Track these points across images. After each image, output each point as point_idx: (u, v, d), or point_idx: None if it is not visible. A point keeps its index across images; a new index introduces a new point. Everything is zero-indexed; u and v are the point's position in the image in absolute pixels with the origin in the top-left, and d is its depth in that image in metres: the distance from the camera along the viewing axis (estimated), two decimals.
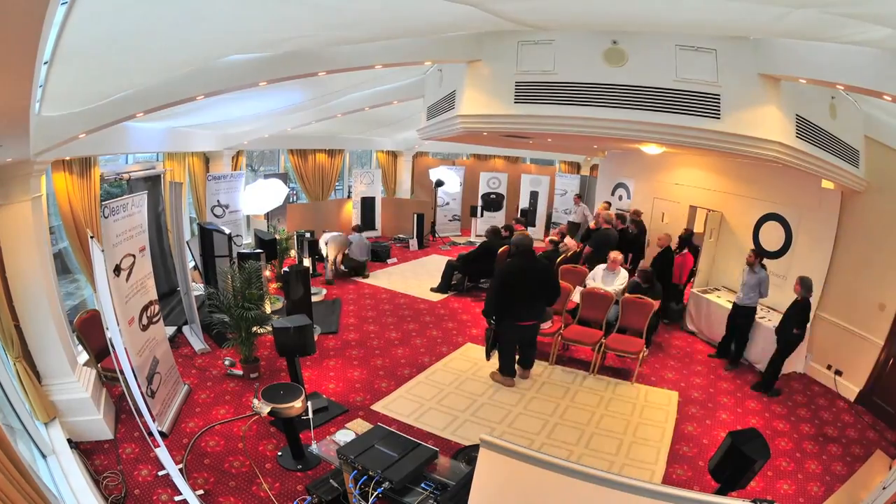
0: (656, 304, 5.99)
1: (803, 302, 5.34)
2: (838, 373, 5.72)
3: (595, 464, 3.79)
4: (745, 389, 5.65)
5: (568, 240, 8.38)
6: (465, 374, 5.68)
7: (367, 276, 9.03)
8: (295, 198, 12.06)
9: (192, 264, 7.10)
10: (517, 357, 5.50)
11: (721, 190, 7.52)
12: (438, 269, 8.68)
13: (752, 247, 6.60)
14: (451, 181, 12.29)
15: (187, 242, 6.63)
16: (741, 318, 6.00)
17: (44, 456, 3.56)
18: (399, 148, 13.24)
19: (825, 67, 3.51)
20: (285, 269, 6.18)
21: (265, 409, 3.66)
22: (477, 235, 12.30)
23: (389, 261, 10.23)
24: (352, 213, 11.93)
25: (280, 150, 11.22)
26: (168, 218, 7.24)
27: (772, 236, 6.61)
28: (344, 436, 3.61)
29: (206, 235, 6.60)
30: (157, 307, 4.67)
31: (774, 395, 5.49)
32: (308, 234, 8.91)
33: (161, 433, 3.96)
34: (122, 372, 3.65)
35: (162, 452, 3.66)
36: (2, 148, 3.03)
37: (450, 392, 5.29)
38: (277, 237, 8.11)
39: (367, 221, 12.05)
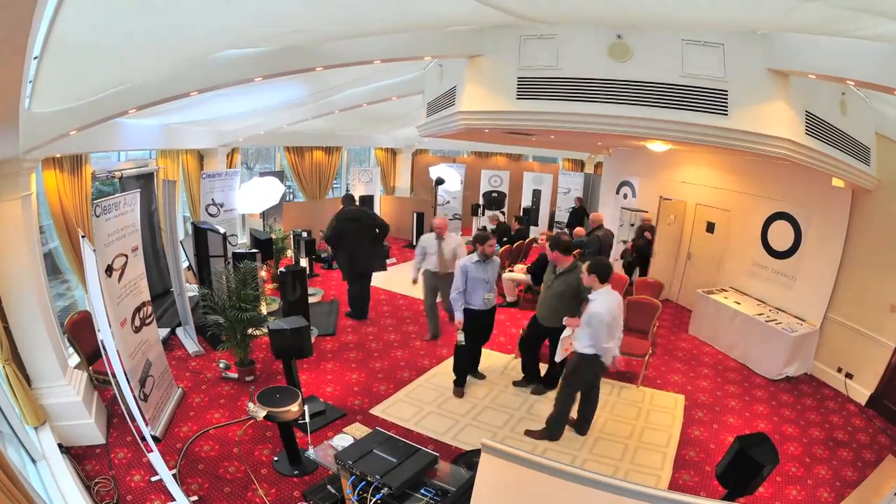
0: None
1: None
2: (849, 376, 5.62)
3: (599, 469, 3.70)
4: (753, 392, 5.56)
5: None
6: (467, 378, 5.57)
7: None
8: (291, 196, 11.97)
9: (185, 264, 7.00)
10: None
11: (729, 188, 7.45)
12: None
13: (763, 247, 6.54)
14: (451, 179, 12.19)
15: (181, 242, 6.55)
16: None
17: (34, 461, 3.50)
18: (398, 145, 13.16)
19: (835, 62, 3.42)
20: (282, 269, 6.09)
21: (261, 412, 3.59)
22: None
23: (388, 261, 10.16)
24: None
25: (276, 148, 11.12)
26: (161, 217, 7.14)
27: (781, 236, 6.52)
28: (342, 440, 3.52)
29: (201, 235, 6.50)
30: (149, 308, 4.59)
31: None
32: (305, 234, 8.83)
33: (154, 438, 3.88)
34: (114, 375, 3.57)
35: (155, 457, 3.58)
36: None
37: (450, 396, 5.19)
38: (273, 237, 8.01)
39: None
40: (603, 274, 4.24)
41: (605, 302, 4.16)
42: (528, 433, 4.58)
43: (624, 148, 9.44)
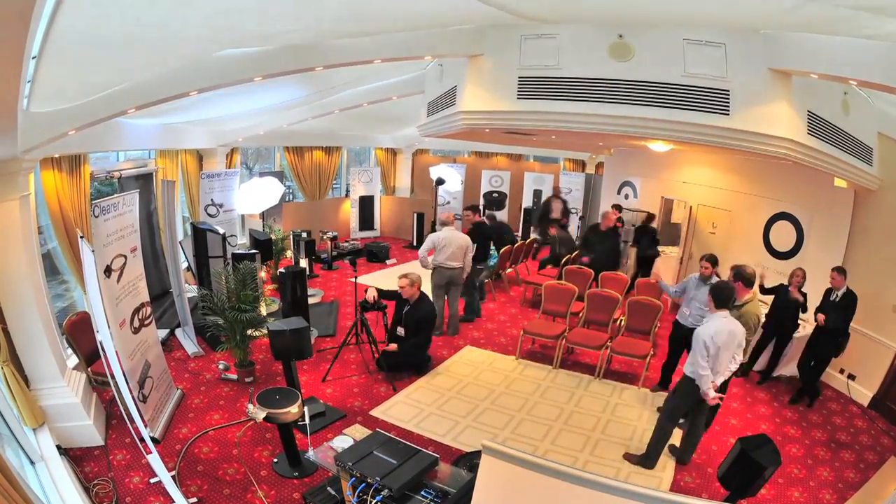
0: None
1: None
2: (851, 377, 5.60)
3: (601, 471, 3.67)
4: (754, 394, 5.54)
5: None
6: (467, 379, 5.56)
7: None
8: (291, 197, 11.94)
9: (185, 265, 6.99)
10: None
11: (730, 188, 7.43)
12: None
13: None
14: (452, 179, 12.15)
15: (180, 243, 6.53)
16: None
17: (32, 462, 3.48)
18: (398, 145, 13.13)
19: (838, 62, 3.40)
20: (281, 270, 6.07)
21: (260, 414, 3.57)
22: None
23: (389, 261, 10.13)
24: (350, 212, 11.82)
25: (276, 148, 11.09)
26: (160, 217, 7.12)
27: (783, 236, 6.50)
28: (342, 442, 3.50)
29: (200, 235, 6.48)
30: (148, 309, 4.57)
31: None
32: (304, 234, 8.80)
33: (153, 439, 3.86)
34: (112, 376, 3.55)
35: (154, 459, 3.56)
36: None
37: (451, 397, 5.17)
38: (273, 237, 7.99)
39: (366, 221, 11.94)
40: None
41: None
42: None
43: (625, 148, 9.41)
